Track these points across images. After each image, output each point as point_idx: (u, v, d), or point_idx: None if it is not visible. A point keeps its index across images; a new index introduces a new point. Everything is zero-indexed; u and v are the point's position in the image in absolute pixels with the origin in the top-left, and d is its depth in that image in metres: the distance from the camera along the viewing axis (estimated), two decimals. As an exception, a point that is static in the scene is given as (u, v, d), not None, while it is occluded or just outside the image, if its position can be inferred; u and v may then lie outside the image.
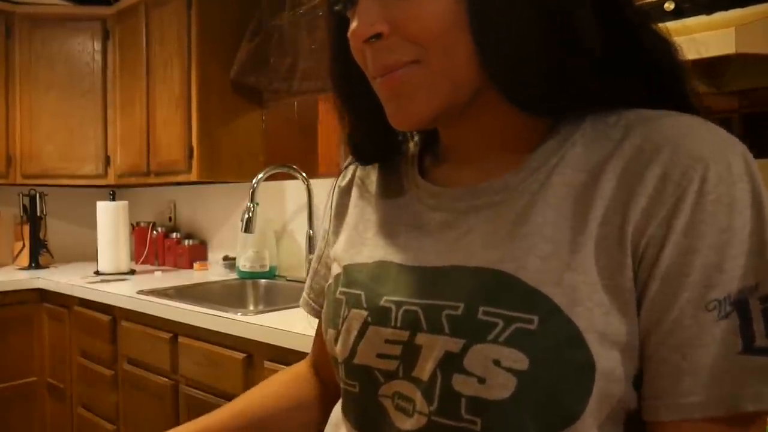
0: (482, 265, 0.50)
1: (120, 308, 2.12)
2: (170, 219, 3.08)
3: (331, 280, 0.64)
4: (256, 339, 1.57)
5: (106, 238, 2.67)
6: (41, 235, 2.97)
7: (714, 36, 1.03)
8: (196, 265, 2.75)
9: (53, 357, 2.56)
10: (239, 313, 1.68)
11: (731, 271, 0.44)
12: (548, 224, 0.49)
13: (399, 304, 0.53)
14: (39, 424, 2.60)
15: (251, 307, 2.29)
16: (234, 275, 2.44)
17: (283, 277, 2.41)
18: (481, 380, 0.46)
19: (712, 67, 1.23)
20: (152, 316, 1.94)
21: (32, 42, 2.82)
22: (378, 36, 0.51)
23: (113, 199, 2.76)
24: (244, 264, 2.36)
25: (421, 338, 0.51)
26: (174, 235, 2.94)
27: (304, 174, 2.30)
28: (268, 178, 2.26)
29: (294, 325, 1.52)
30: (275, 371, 1.51)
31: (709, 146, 0.46)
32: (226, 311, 1.72)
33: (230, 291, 2.33)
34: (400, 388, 0.53)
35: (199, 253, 2.85)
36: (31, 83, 2.82)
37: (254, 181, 2.16)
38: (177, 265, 2.87)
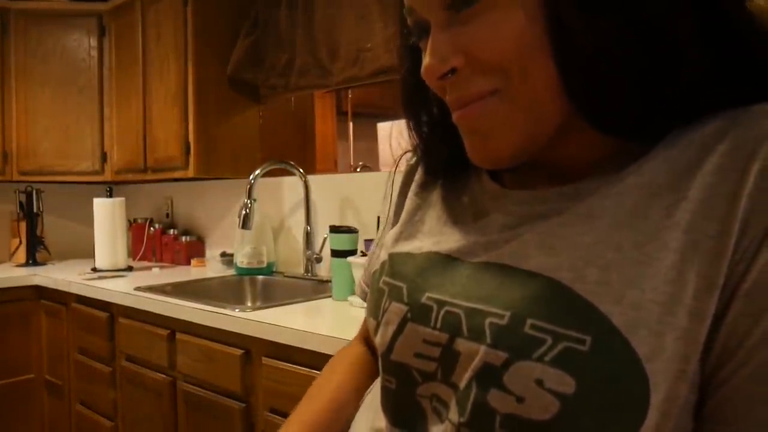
0: (536, 270, 0.46)
1: (117, 305, 2.12)
2: (167, 215, 3.08)
3: (377, 266, 0.62)
4: (253, 335, 1.57)
5: (104, 235, 2.66)
6: (38, 232, 2.96)
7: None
8: (193, 261, 2.75)
9: (51, 354, 2.56)
10: (237, 310, 1.68)
11: None
12: (616, 232, 0.44)
13: (441, 304, 0.50)
14: (37, 422, 2.60)
15: (249, 304, 2.29)
16: (231, 271, 2.44)
17: (281, 273, 2.41)
18: (520, 399, 0.42)
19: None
20: (150, 312, 1.94)
21: (28, 38, 2.81)
22: (453, 71, 0.48)
23: (110, 196, 2.76)
24: (241, 260, 2.36)
25: (460, 344, 0.47)
26: (171, 231, 2.94)
27: (301, 170, 2.30)
28: (266, 174, 2.26)
29: (292, 321, 1.52)
30: (273, 367, 1.52)
31: None
32: (224, 307, 1.72)
33: (228, 287, 2.33)
34: (438, 390, 0.50)
35: (196, 249, 2.85)
36: (27, 80, 2.81)
37: (251, 177, 2.16)
38: (174, 262, 2.87)
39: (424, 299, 0.51)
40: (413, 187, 0.66)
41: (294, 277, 2.31)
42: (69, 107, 2.83)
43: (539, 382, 0.41)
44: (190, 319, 1.78)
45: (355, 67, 2.16)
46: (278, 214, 2.51)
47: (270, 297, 2.26)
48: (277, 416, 1.52)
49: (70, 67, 2.83)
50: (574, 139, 0.50)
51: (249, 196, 2.13)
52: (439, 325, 0.49)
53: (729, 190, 0.41)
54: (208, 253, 2.85)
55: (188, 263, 2.78)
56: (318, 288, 2.13)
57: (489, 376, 0.44)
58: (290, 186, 2.44)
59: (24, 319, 2.59)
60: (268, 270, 2.38)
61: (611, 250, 0.44)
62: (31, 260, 2.91)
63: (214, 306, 1.75)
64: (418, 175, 0.66)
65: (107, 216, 2.67)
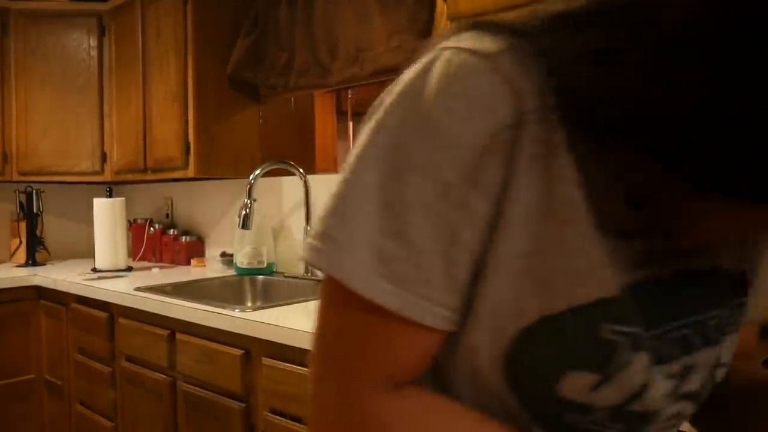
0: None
1: (117, 305, 2.11)
2: (167, 215, 3.07)
3: (572, 305, 0.44)
4: (253, 335, 1.57)
5: (103, 235, 2.66)
6: (38, 232, 2.96)
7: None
8: (193, 261, 2.74)
9: (51, 354, 2.56)
10: (237, 310, 1.68)
11: None
12: None
13: (669, 331, 0.48)
14: (37, 422, 2.60)
15: (249, 304, 2.29)
16: (231, 272, 2.44)
17: (281, 273, 2.40)
18: (725, 366, 0.53)
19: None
20: (150, 312, 1.94)
21: (27, 38, 2.81)
22: None
23: (110, 196, 2.76)
24: (241, 260, 2.36)
25: (697, 357, 0.50)
26: (171, 231, 2.93)
27: (301, 170, 2.30)
28: (266, 174, 2.26)
29: (292, 322, 1.52)
30: (273, 367, 1.52)
31: None
32: (224, 308, 1.72)
33: (228, 287, 2.33)
34: (669, 412, 0.50)
35: (196, 249, 2.85)
36: (27, 80, 2.81)
37: (251, 177, 2.16)
38: (174, 262, 2.86)
39: (666, 337, 0.48)
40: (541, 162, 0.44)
41: (294, 277, 2.31)
42: (69, 107, 2.83)
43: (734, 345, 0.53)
44: (190, 320, 1.77)
45: (355, 66, 2.15)
46: (278, 214, 2.51)
47: (270, 297, 2.26)
48: (277, 416, 1.51)
49: (69, 67, 2.83)
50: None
51: (249, 196, 2.13)
52: (678, 351, 0.49)
53: None
54: (208, 253, 2.85)
55: (188, 263, 2.78)
56: (317, 288, 2.12)
57: (716, 363, 0.52)
58: (290, 186, 2.44)
59: (24, 320, 2.59)
60: (268, 270, 2.38)
61: None
62: (31, 260, 2.91)
63: (214, 306, 1.75)
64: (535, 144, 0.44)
65: (107, 216, 2.67)
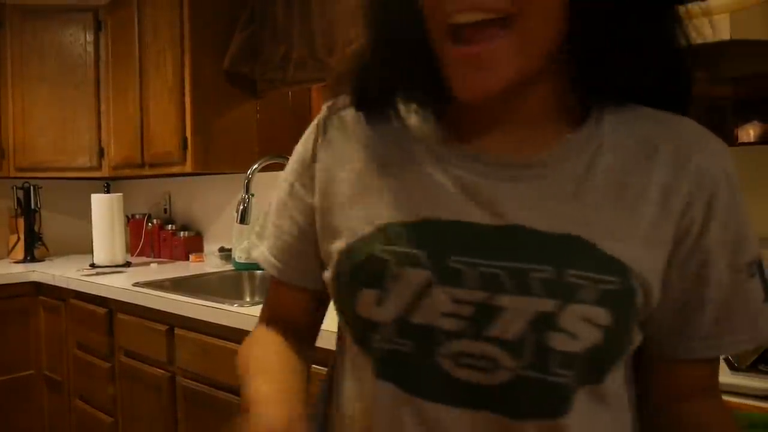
0: (551, 230, 0.53)
1: (116, 300, 2.11)
2: (165, 211, 3.07)
3: (353, 239, 0.58)
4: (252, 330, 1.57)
5: (102, 231, 2.66)
6: (36, 228, 2.96)
7: (708, 22, 1.03)
8: (191, 256, 2.74)
9: (50, 350, 2.56)
10: (235, 305, 1.68)
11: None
12: (602, 201, 0.54)
13: (472, 265, 0.53)
14: (37, 417, 2.60)
15: (247, 299, 2.29)
16: (230, 267, 2.44)
17: (280, 267, 2.40)
18: (574, 336, 0.51)
19: (706, 53, 1.23)
20: (148, 308, 1.94)
21: (23, 34, 2.80)
22: None
23: (108, 191, 2.75)
24: (239, 255, 2.36)
25: (503, 300, 0.52)
26: (169, 226, 2.93)
27: (299, 164, 2.29)
28: (263, 169, 2.25)
29: (290, 316, 1.52)
30: (272, 362, 1.52)
31: (719, 146, 0.57)
32: (222, 303, 1.72)
33: (226, 282, 2.33)
34: (468, 347, 0.53)
35: (194, 244, 2.85)
36: (23, 76, 2.80)
37: (249, 171, 2.15)
38: (173, 257, 2.86)
39: (451, 263, 0.53)
40: (333, 151, 0.64)
41: (292, 271, 2.30)
42: (66, 103, 2.82)
43: (588, 320, 0.51)
44: (188, 315, 1.77)
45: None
46: (276, 208, 2.50)
47: (269, 292, 2.26)
48: (276, 411, 1.52)
49: (66, 62, 2.82)
50: (549, 83, 0.56)
51: (247, 191, 2.12)
52: (474, 284, 0.53)
53: (678, 176, 0.55)
54: (207, 248, 2.85)
55: (186, 258, 2.78)
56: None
57: (544, 322, 0.51)
58: (288, 180, 2.43)
59: (23, 316, 2.59)
60: (267, 265, 2.38)
61: (608, 208, 0.54)
62: (30, 256, 2.91)
63: (213, 301, 1.75)
64: (332, 131, 0.64)
65: (105, 212, 2.66)
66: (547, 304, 0.51)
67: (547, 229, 0.53)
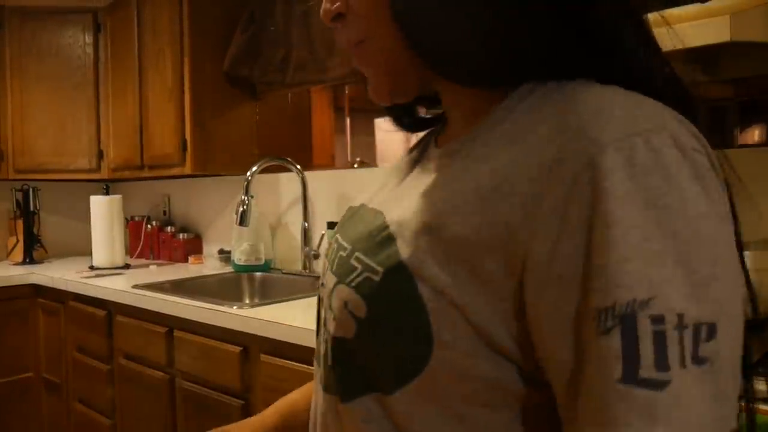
0: (375, 207, 0.54)
1: (115, 303, 2.11)
2: (165, 213, 3.07)
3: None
4: (251, 332, 1.57)
5: (101, 233, 2.66)
6: (35, 230, 2.95)
7: (708, 24, 1.03)
8: (191, 258, 2.74)
9: (49, 352, 2.55)
10: (235, 307, 1.68)
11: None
12: (439, 187, 0.47)
13: (336, 243, 0.56)
14: (36, 420, 2.60)
15: (247, 301, 2.28)
16: (229, 268, 2.44)
17: (279, 270, 2.40)
18: (336, 320, 0.49)
19: (706, 55, 1.23)
20: (148, 310, 1.94)
21: (22, 35, 2.80)
22: (340, 16, 0.52)
23: (107, 193, 2.75)
24: (239, 257, 2.36)
25: (328, 277, 0.54)
26: (168, 228, 2.93)
27: (298, 166, 2.29)
28: (263, 171, 2.25)
29: (290, 318, 1.52)
30: (272, 364, 1.52)
31: (615, 127, 0.38)
32: (222, 305, 1.72)
33: (226, 284, 2.32)
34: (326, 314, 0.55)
35: (194, 246, 2.85)
36: (23, 77, 2.80)
37: (248, 173, 2.15)
38: (172, 259, 2.86)
39: (335, 243, 0.56)
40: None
41: (292, 273, 2.30)
42: (65, 105, 2.82)
43: (345, 304, 0.48)
44: (188, 317, 1.77)
45: (352, 62, 2.14)
46: (276, 210, 2.50)
47: (268, 294, 2.26)
48: (275, 413, 1.51)
49: (65, 64, 2.82)
50: (445, 91, 0.55)
51: (246, 193, 2.12)
52: (334, 268, 0.53)
53: (522, 166, 0.42)
54: (206, 250, 2.85)
55: (186, 260, 2.77)
56: (316, 284, 2.12)
57: (327, 299, 0.51)
58: (287, 182, 2.43)
59: (21, 318, 2.58)
60: (266, 267, 2.38)
61: (425, 199, 0.47)
62: (29, 259, 2.91)
63: (212, 303, 1.74)
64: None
65: (104, 214, 2.66)
66: (331, 281, 0.51)
67: (373, 206, 0.55)
